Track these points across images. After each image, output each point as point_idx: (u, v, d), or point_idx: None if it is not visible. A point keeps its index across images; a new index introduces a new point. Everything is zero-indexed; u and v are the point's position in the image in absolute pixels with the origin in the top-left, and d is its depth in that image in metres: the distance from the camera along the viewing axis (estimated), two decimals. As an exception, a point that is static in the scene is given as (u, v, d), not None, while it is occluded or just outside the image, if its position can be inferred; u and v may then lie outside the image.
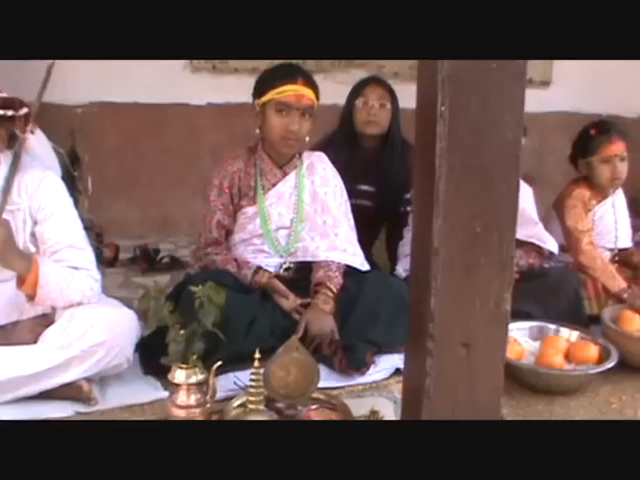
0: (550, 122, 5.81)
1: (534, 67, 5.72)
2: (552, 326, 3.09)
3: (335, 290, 2.94)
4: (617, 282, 3.44)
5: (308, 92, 2.93)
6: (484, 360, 1.83)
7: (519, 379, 2.77)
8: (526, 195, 3.39)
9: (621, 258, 3.82)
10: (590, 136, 3.61)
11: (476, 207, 1.73)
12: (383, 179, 3.65)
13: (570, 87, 5.82)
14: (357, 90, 3.68)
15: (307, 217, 3.05)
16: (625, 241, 3.83)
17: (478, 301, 1.79)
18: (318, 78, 4.98)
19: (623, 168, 3.58)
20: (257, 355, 2.22)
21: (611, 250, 3.78)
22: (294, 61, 3.00)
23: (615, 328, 3.05)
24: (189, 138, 5.20)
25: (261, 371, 2.23)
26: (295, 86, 2.91)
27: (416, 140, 1.83)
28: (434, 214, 1.71)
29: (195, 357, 2.28)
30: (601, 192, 3.69)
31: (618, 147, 3.56)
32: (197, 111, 5.20)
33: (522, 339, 3.01)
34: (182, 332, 2.25)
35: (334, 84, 4.89)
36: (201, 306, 2.27)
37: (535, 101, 5.72)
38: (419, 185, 1.84)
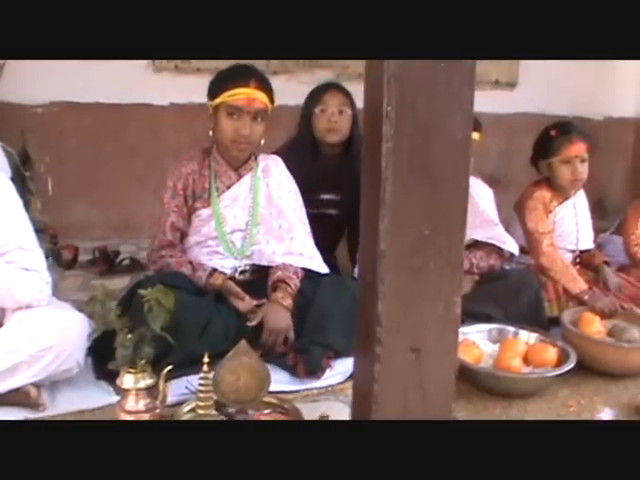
0: (516, 123, 5.82)
1: (500, 69, 5.73)
2: (511, 329, 3.07)
3: (294, 288, 2.90)
4: (578, 284, 3.42)
5: (261, 95, 2.88)
6: (434, 365, 1.80)
7: (477, 382, 2.74)
8: (486, 196, 3.38)
9: (583, 260, 3.80)
10: (551, 137, 3.59)
11: (424, 209, 1.70)
12: (347, 187, 3.58)
13: (536, 88, 5.82)
14: (315, 97, 3.56)
15: (262, 220, 3.00)
16: (586, 243, 3.81)
17: (427, 305, 1.76)
18: (281, 79, 5.04)
19: (584, 169, 3.56)
20: (206, 359, 2.18)
21: (572, 252, 3.77)
22: (250, 62, 2.95)
23: (574, 330, 3.03)
24: (151, 138, 5.14)
25: (210, 375, 2.19)
26: (247, 89, 2.86)
27: (364, 141, 1.80)
28: (380, 216, 1.68)
29: (144, 362, 2.23)
30: (562, 193, 3.67)
31: (579, 148, 3.55)
32: (159, 111, 5.14)
33: (481, 342, 2.99)
34: (129, 336, 2.20)
35: (298, 85, 4.87)
36: (150, 310, 2.22)
37: (501, 102, 5.79)
38: (366, 187, 1.80)
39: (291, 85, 4.95)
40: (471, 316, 3.11)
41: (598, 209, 6.33)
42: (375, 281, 1.73)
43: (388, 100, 1.62)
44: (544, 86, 5.77)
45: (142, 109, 5.10)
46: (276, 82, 4.65)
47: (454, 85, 1.67)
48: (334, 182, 3.60)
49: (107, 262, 4.34)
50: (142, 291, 2.26)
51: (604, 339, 3.05)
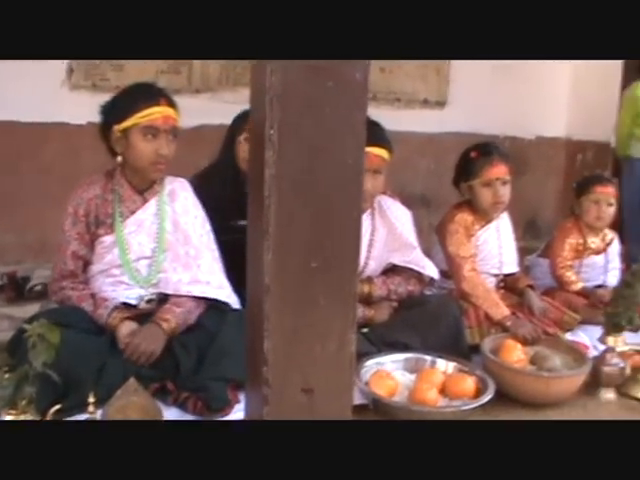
0: (446, 142, 5.74)
1: (429, 87, 5.69)
2: (428, 358, 2.95)
3: (180, 315, 2.77)
4: (500, 310, 3.33)
5: (172, 112, 2.76)
6: (328, 407, 1.69)
7: (392, 416, 2.62)
8: (404, 219, 3.27)
9: (507, 284, 3.73)
10: (471, 159, 3.52)
11: (312, 240, 1.59)
12: None
13: (466, 107, 5.77)
14: (238, 125, 3.39)
15: (169, 247, 2.85)
16: (510, 267, 3.73)
17: (318, 343, 1.65)
18: (204, 97, 4.92)
19: (505, 192, 3.49)
20: (91, 399, 2.04)
21: (496, 276, 3.68)
22: (150, 81, 2.91)
23: (494, 359, 2.94)
24: (68, 158, 4.95)
25: (97, 416, 2.05)
26: (160, 107, 2.73)
27: (249, 167, 1.68)
28: (264, 248, 1.55)
29: (25, 402, 2.07)
30: (484, 216, 3.58)
31: (500, 170, 3.47)
32: (77, 130, 4.94)
33: (397, 372, 2.87)
34: (7, 375, 2.04)
35: (221, 104, 4.75)
36: (33, 346, 2.06)
37: (431, 121, 5.73)
38: (250, 216, 1.69)
39: (214, 104, 4.83)
40: (388, 345, 3.01)
41: (530, 229, 6.32)
42: (261, 318, 1.61)
43: (270, 122, 1.51)
44: (474, 105, 5.72)
45: (58, 128, 4.91)
46: (199, 100, 4.53)
47: (344, 106, 1.56)
48: None
49: (16, 289, 4.15)
50: (26, 326, 2.10)
51: (524, 368, 2.96)
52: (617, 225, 4.33)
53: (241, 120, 3.35)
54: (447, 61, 5.63)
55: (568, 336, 3.60)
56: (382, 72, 5.37)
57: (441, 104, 5.83)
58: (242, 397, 2.64)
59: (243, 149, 3.36)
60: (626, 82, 5.76)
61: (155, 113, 2.73)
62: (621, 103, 5.41)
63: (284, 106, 1.50)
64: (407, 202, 5.51)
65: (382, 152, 3.06)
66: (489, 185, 3.47)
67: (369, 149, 2.96)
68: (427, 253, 3.61)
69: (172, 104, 2.80)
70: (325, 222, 1.58)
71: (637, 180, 5.24)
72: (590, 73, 5.97)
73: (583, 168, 6.30)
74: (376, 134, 3.07)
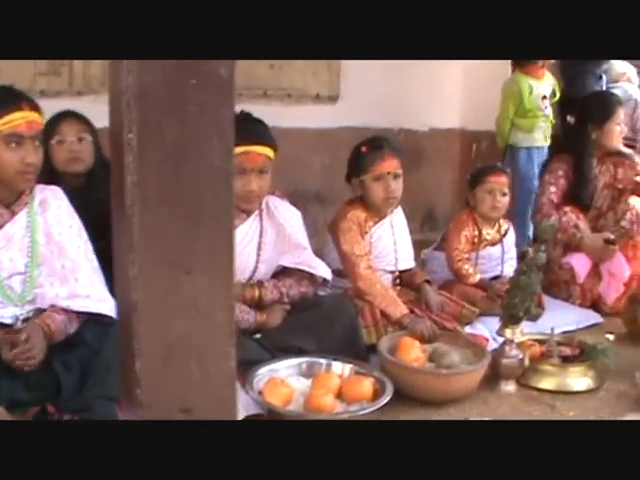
0: (340, 138, 5.67)
1: (320, 82, 5.61)
2: (324, 361, 2.88)
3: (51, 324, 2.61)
4: (398, 308, 3.29)
5: (36, 117, 2.60)
6: (210, 426, 1.59)
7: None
8: (293, 219, 3.18)
9: (404, 280, 3.69)
10: (362, 154, 3.47)
11: (181, 249, 1.49)
12: (91, 221, 3.24)
13: (359, 101, 5.70)
14: (51, 128, 3.24)
15: (44, 260, 2.69)
16: (407, 262, 3.70)
17: (194, 359, 1.55)
18: (87, 100, 4.74)
19: (397, 186, 3.45)
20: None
21: (392, 272, 3.64)
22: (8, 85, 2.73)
23: (391, 359, 2.90)
24: None
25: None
26: (23, 112, 2.56)
27: (111, 174, 1.57)
28: (129, 261, 1.45)
29: None
30: (377, 212, 3.54)
31: (391, 164, 3.43)
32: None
33: (292, 379, 2.79)
34: None
35: (105, 106, 4.58)
36: None
37: (323, 117, 5.67)
38: (115, 228, 1.58)
39: (97, 106, 4.65)
40: (282, 350, 2.93)
41: (428, 221, 6.33)
42: (130, 336, 1.51)
43: (129, 126, 1.40)
44: (367, 99, 5.66)
45: None
46: (81, 103, 4.37)
47: (209, 104, 1.46)
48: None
49: None
50: None
51: (422, 367, 2.92)
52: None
53: (52, 124, 3.27)
54: (337, 55, 5.57)
55: (467, 330, 3.60)
56: (272, 68, 5.27)
57: (333, 99, 5.75)
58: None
59: (58, 151, 3.32)
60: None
61: (18, 119, 2.56)
62: (502, 96, 5.51)
63: (143, 108, 1.40)
64: (301, 200, 5.50)
65: (266, 150, 2.98)
66: (380, 180, 3.43)
67: (252, 148, 2.91)
68: (322, 251, 3.56)
69: (35, 108, 2.64)
70: (195, 229, 1.48)
71: (518, 169, 5.39)
72: (480, 65, 6.01)
73: (478, 158, 6.34)
74: (259, 132, 3.00)
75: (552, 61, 5.44)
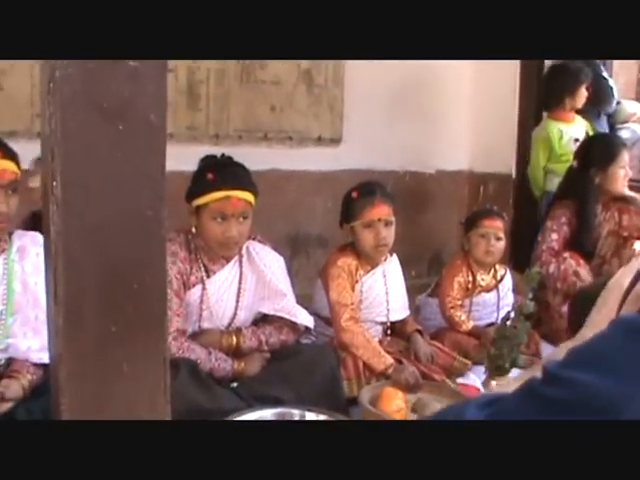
0: (343, 180, 5.59)
1: (322, 125, 5.58)
2: (297, 412, 2.79)
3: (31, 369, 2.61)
4: (383, 359, 3.23)
5: (9, 165, 2.58)
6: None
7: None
8: (274, 265, 3.14)
9: (396, 330, 3.62)
10: (353, 200, 3.42)
11: (110, 303, 1.45)
12: None
13: (362, 144, 5.68)
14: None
15: (18, 309, 2.65)
16: (399, 313, 3.63)
17: (125, 416, 1.50)
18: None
19: (388, 233, 3.40)
20: None
21: (383, 324, 3.57)
22: None
23: (370, 409, 2.82)
24: None
25: None
26: None
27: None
28: (55, 313, 1.41)
29: None
30: (369, 260, 3.49)
31: (381, 211, 3.39)
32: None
33: (266, 430, 2.72)
34: None
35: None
36: None
37: (326, 159, 5.64)
38: (45, 278, 1.53)
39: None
40: (259, 399, 2.86)
41: (435, 265, 6.26)
42: (57, 391, 1.46)
43: (52, 173, 1.38)
44: (370, 141, 5.64)
45: None
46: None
47: (137, 151, 1.43)
48: None
49: None
50: None
51: (403, 419, 2.83)
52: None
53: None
54: (340, 98, 5.54)
55: (459, 380, 3.52)
56: (272, 111, 5.25)
57: (336, 141, 5.72)
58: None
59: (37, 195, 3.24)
60: (522, 115, 5.79)
61: None
62: (533, 143, 5.43)
63: (66, 154, 1.37)
64: (303, 243, 5.48)
65: (247, 195, 2.95)
66: (370, 227, 3.38)
67: (233, 193, 2.87)
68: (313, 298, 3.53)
69: (9, 156, 2.61)
70: (124, 282, 1.44)
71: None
72: (488, 105, 5.99)
73: (485, 200, 6.29)
74: (240, 177, 2.97)
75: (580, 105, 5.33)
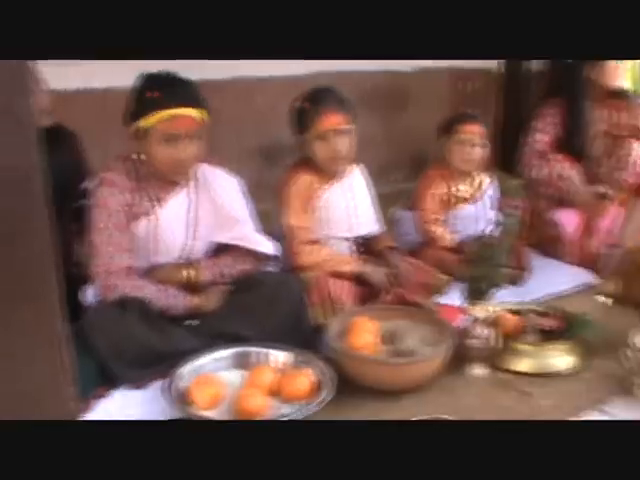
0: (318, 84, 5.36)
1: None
2: (259, 351, 2.59)
3: None
4: (352, 264, 3.16)
5: None
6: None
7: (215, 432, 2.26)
8: (230, 189, 2.87)
9: (366, 246, 3.39)
10: (303, 110, 3.14)
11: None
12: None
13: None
14: None
15: None
16: (367, 227, 3.38)
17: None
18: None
19: (343, 144, 3.13)
20: None
21: (349, 239, 3.33)
22: None
23: (337, 346, 2.59)
24: None
25: None
26: None
27: None
28: None
29: None
30: (326, 174, 3.23)
31: (334, 120, 3.11)
32: None
33: (224, 373, 2.50)
34: None
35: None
36: None
37: (297, 63, 5.31)
38: None
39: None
40: (219, 337, 2.64)
41: (418, 167, 5.96)
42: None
43: None
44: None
45: None
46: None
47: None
48: None
49: None
50: None
51: (371, 355, 2.61)
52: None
53: None
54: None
55: (440, 299, 3.30)
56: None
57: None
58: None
59: None
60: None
61: None
62: None
63: None
64: (277, 154, 5.20)
65: (196, 113, 2.66)
66: (323, 138, 3.11)
67: (180, 111, 2.61)
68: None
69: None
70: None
71: None
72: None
73: (469, 98, 6.01)
74: (188, 93, 2.68)
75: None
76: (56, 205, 2.74)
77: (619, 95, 4.11)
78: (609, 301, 3.43)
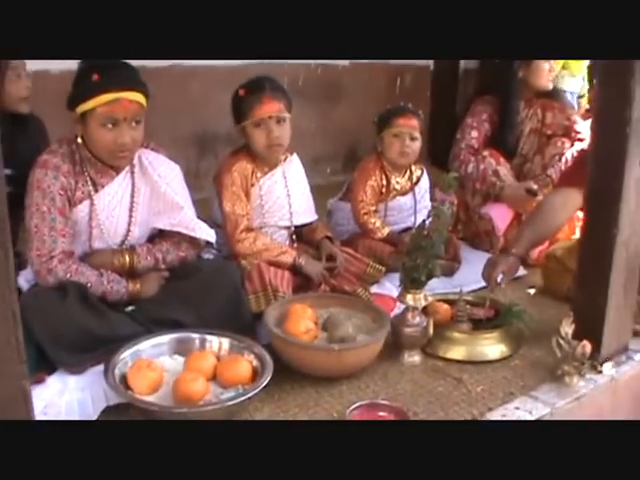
0: (252, 75, 5.35)
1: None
2: (197, 336, 2.62)
3: None
4: (289, 252, 3.19)
5: None
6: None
7: (153, 417, 2.26)
8: (170, 175, 2.86)
9: (304, 236, 3.42)
10: (241, 98, 3.16)
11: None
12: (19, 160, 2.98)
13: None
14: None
15: None
16: (303, 216, 3.41)
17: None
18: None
19: (281, 131, 3.14)
20: None
21: (287, 228, 3.35)
22: None
23: (276, 333, 2.63)
24: None
25: None
26: None
27: None
28: None
29: None
30: (265, 162, 3.24)
31: (272, 107, 3.12)
32: None
33: (165, 358, 2.52)
34: None
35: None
36: None
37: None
38: None
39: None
40: (158, 323, 2.65)
41: (351, 161, 6.04)
42: None
43: None
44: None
45: None
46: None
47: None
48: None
49: None
50: None
51: (310, 342, 2.66)
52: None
53: None
54: None
55: (374, 289, 3.36)
56: None
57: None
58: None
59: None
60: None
61: None
62: None
63: None
64: (211, 142, 5.21)
65: (138, 96, 2.65)
66: (261, 125, 3.13)
67: (122, 94, 2.60)
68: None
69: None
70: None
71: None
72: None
73: (402, 93, 6.08)
74: (129, 77, 2.67)
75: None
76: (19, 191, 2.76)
77: (550, 95, 4.24)
78: (531, 291, 3.56)
